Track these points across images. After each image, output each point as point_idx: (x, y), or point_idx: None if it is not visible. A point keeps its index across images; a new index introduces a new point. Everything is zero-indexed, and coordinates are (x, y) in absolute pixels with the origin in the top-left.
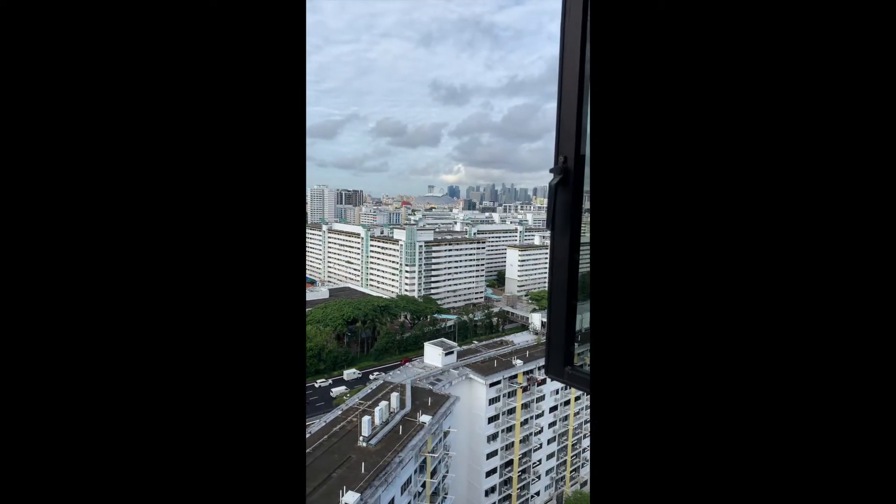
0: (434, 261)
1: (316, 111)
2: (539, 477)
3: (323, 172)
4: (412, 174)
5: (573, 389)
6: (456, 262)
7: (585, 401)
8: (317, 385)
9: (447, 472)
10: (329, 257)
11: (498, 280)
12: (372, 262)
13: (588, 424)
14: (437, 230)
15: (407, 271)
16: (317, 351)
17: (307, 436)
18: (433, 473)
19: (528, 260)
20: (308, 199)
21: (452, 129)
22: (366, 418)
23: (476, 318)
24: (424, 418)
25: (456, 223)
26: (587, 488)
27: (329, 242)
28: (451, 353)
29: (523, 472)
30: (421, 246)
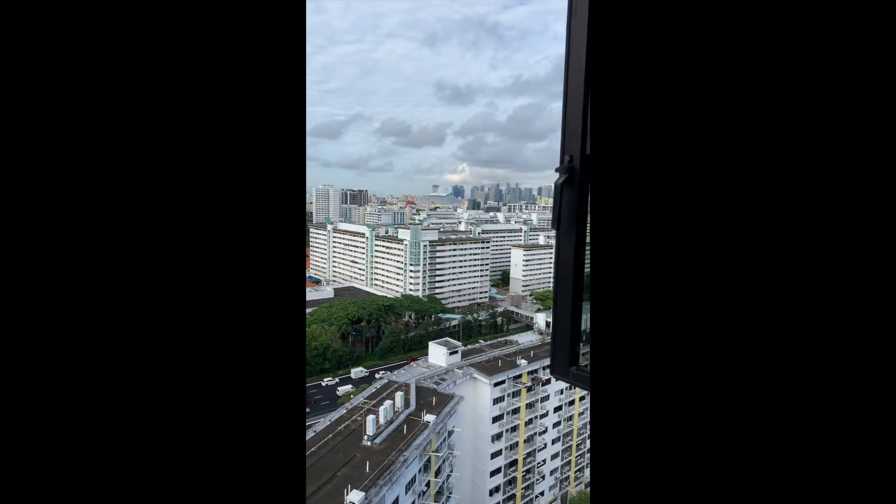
0: (438, 260)
1: (320, 111)
2: (543, 477)
3: (328, 172)
4: (417, 174)
5: (578, 389)
6: (460, 261)
7: None
8: (323, 384)
9: (451, 471)
10: (334, 257)
11: (502, 280)
12: (376, 262)
13: None
14: (441, 230)
15: (411, 271)
16: (321, 350)
17: (312, 434)
18: (437, 472)
19: (532, 260)
20: (313, 198)
21: (457, 128)
22: (370, 417)
23: (480, 318)
24: (429, 417)
25: (460, 223)
26: None
27: (334, 242)
28: (456, 352)
29: (528, 471)
30: (425, 245)
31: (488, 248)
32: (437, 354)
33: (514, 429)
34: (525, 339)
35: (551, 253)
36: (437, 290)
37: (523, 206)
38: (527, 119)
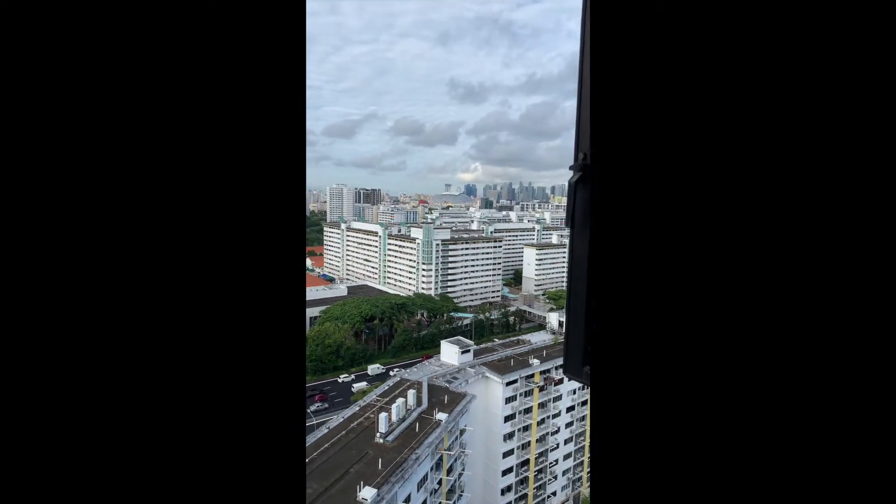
0: (451, 259)
1: (335, 111)
2: (556, 477)
3: (341, 171)
4: (429, 173)
5: None
6: (473, 260)
7: None
8: (339, 380)
9: (463, 469)
10: (347, 255)
11: (515, 279)
12: (389, 261)
13: None
14: (453, 228)
15: (424, 269)
16: (335, 347)
17: (326, 431)
18: (449, 471)
19: (545, 259)
20: (327, 197)
21: (470, 127)
22: (383, 415)
23: (493, 317)
24: (441, 416)
25: (473, 222)
26: None
27: (347, 241)
28: (468, 351)
29: (540, 471)
30: (438, 244)
31: (501, 246)
32: (450, 353)
33: (526, 428)
34: (538, 338)
35: (564, 252)
36: (449, 289)
37: (536, 205)
38: (540, 117)
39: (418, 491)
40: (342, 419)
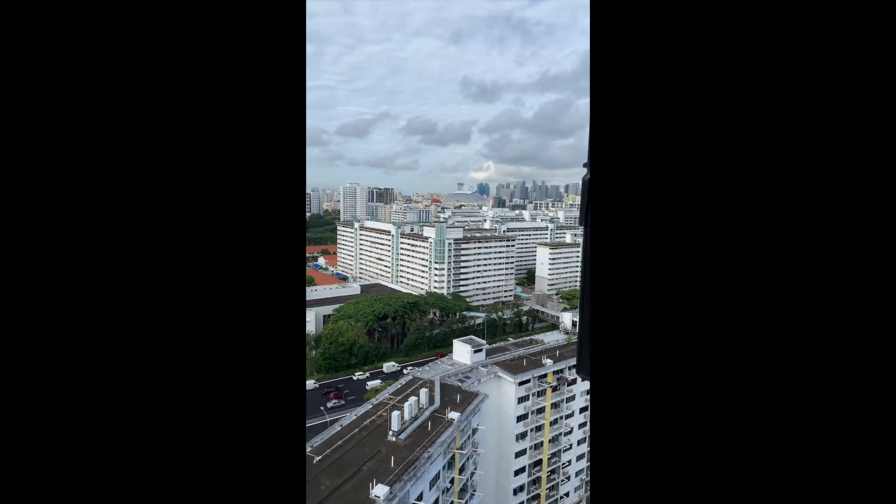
0: (463, 258)
1: (348, 110)
2: (569, 478)
3: (354, 171)
4: (442, 172)
5: None
6: (485, 259)
7: None
8: (354, 378)
9: (475, 469)
10: (360, 254)
11: (528, 278)
12: (402, 260)
13: None
14: (466, 228)
15: (436, 268)
16: (348, 345)
17: (338, 428)
18: (461, 470)
19: (559, 258)
20: (340, 197)
21: (482, 126)
22: (395, 413)
23: (505, 317)
24: (453, 415)
25: (485, 221)
26: None
27: (361, 239)
28: (480, 350)
29: (552, 472)
30: (450, 243)
31: (513, 246)
32: (462, 352)
33: (538, 428)
34: (551, 338)
35: (578, 251)
36: (461, 288)
37: (549, 204)
38: (553, 115)
39: (430, 489)
40: (355, 417)
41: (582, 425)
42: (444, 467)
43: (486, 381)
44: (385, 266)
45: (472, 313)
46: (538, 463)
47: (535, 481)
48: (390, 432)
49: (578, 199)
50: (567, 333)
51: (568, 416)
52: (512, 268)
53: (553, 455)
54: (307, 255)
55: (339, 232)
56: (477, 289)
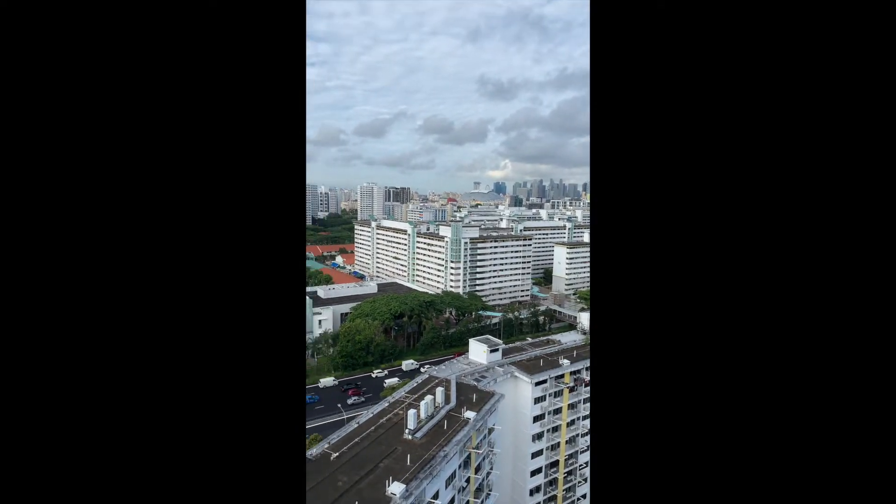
0: (479, 257)
1: (365, 110)
2: (586, 480)
3: (371, 170)
4: (458, 171)
5: None
6: (501, 259)
7: None
8: (373, 375)
9: (491, 468)
10: (377, 253)
11: (545, 278)
12: (418, 258)
13: None
14: (482, 227)
15: (452, 268)
16: (365, 343)
17: (356, 425)
18: (477, 469)
19: (576, 258)
20: (357, 196)
21: (499, 124)
22: (411, 412)
23: (522, 316)
24: (469, 414)
25: (502, 220)
26: None
27: (377, 239)
28: (497, 350)
29: (569, 473)
30: (466, 242)
31: (530, 245)
32: (478, 351)
33: (555, 429)
34: (568, 338)
35: None
36: (477, 288)
37: (567, 203)
38: (571, 113)
39: (446, 488)
40: (371, 414)
41: None
42: (459, 466)
43: (503, 380)
44: (401, 265)
45: (489, 313)
46: (555, 464)
47: (552, 482)
48: (406, 430)
49: None
50: (585, 334)
51: (585, 418)
52: (529, 267)
53: (570, 456)
54: (325, 253)
55: (356, 231)
56: (493, 288)
